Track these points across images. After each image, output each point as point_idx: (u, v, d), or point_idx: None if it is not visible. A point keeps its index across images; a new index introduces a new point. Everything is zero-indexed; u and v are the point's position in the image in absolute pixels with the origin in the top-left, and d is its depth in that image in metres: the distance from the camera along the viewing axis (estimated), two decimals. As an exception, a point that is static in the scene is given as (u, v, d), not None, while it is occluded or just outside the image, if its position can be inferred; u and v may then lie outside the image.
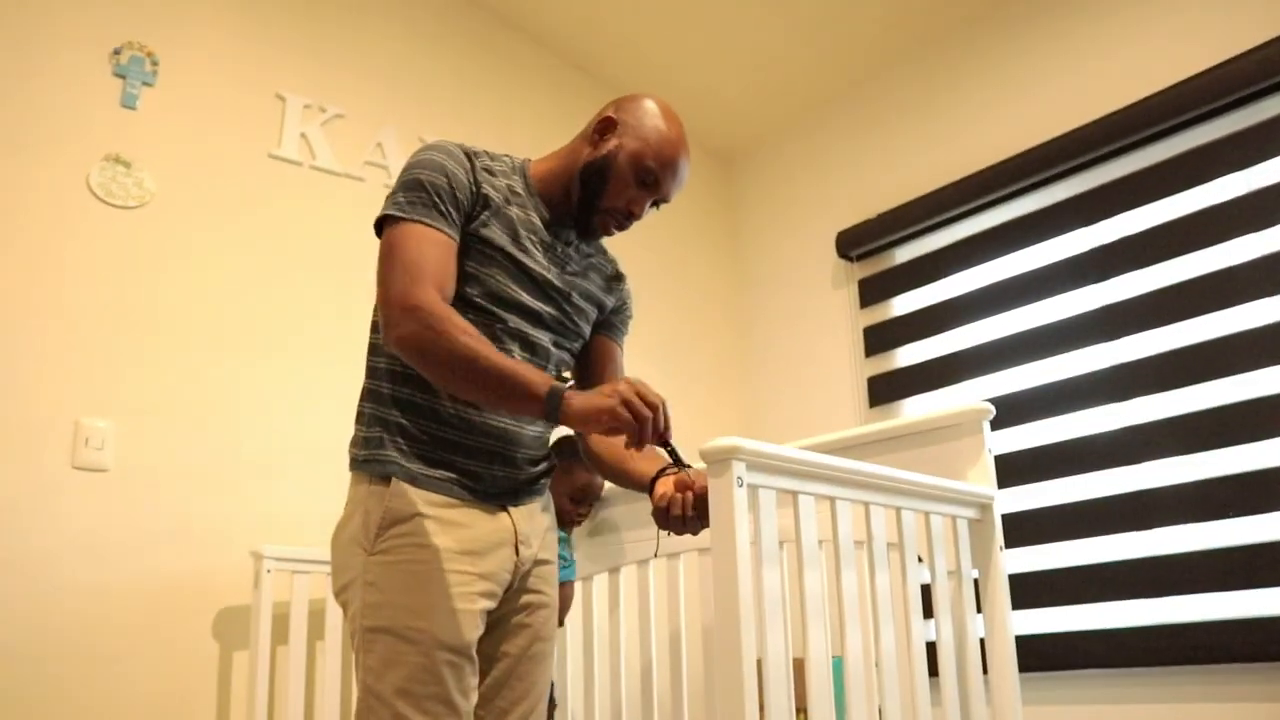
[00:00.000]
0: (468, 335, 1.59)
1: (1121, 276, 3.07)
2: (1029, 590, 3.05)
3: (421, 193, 1.70)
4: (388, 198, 1.73)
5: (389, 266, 1.66)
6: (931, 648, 2.11)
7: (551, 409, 1.56)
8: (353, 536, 1.71)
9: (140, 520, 2.73)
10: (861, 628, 1.90)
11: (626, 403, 1.55)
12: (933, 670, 2.09)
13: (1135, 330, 3.00)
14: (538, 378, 1.59)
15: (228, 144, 3.13)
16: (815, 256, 3.99)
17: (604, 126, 1.84)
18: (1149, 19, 3.14)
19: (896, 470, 1.96)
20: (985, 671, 2.21)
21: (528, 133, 3.81)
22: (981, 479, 2.22)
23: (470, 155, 1.80)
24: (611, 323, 2.04)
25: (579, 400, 1.57)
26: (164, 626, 2.71)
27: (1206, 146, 2.96)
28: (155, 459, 2.78)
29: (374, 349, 1.81)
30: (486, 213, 1.77)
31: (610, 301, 2.02)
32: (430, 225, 1.69)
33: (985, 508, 2.23)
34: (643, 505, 2.72)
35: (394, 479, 1.69)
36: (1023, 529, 3.09)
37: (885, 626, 1.93)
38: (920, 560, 2.12)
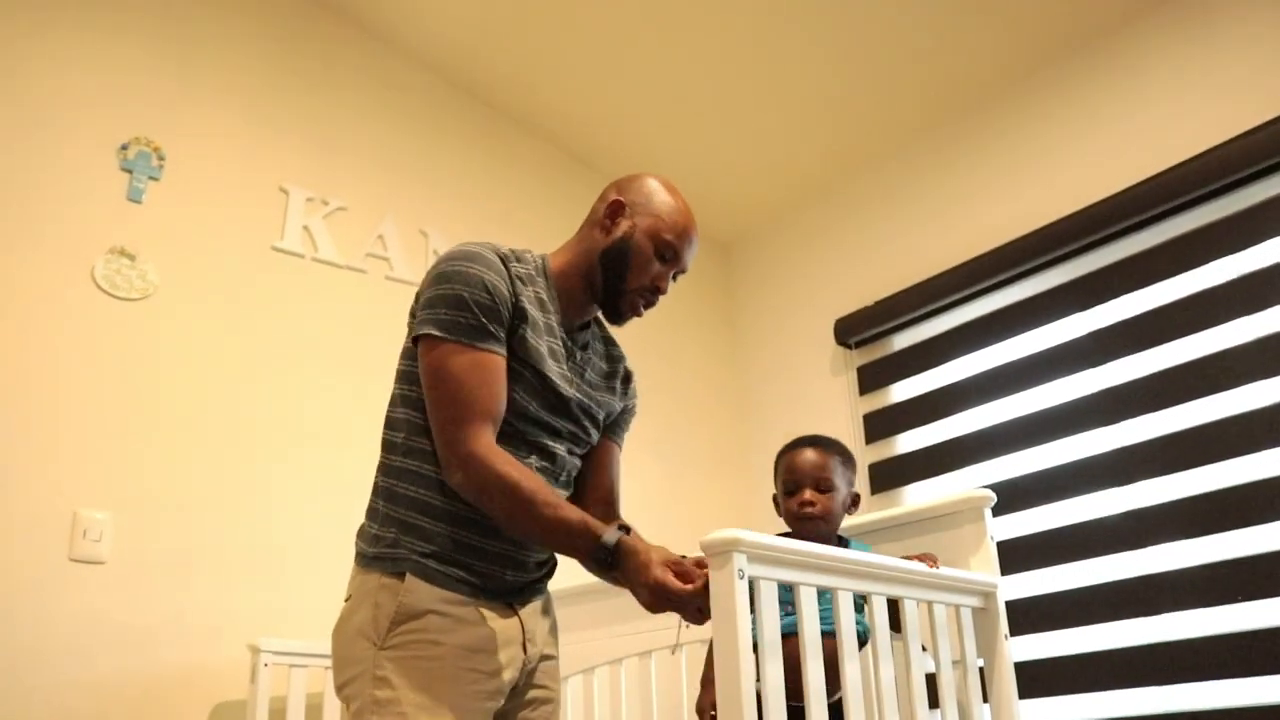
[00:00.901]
0: (520, 486, 1.61)
1: (1118, 360, 3.08)
2: (1036, 678, 3.01)
3: (466, 312, 1.68)
4: (424, 308, 1.70)
5: (440, 394, 1.66)
6: (938, 740, 2.07)
7: (600, 566, 1.62)
8: (360, 629, 1.68)
9: (137, 613, 2.70)
10: (867, 719, 1.87)
11: (665, 599, 1.57)
12: (941, 763, 2.06)
13: (1134, 414, 3.00)
14: (584, 537, 1.61)
15: (231, 236, 3.17)
16: (814, 343, 4.02)
17: (614, 210, 1.86)
18: (1138, 107, 3.20)
19: (897, 560, 1.96)
20: (994, 765, 2.18)
21: (528, 223, 3.86)
22: (984, 566, 2.21)
23: (505, 261, 1.78)
24: (617, 423, 2.03)
25: (627, 578, 1.60)
26: (159, 723, 2.67)
27: (1197, 231, 2.99)
28: (153, 551, 2.77)
29: (391, 447, 1.77)
30: (524, 326, 1.75)
31: (620, 405, 2.02)
32: (479, 349, 1.67)
33: (989, 596, 2.22)
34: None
35: (408, 574, 1.67)
36: (1028, 615, 3.06)
37: (890, 718, 1.91)
38: (924, 649, 2.10)
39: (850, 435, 3.77)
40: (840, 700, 1.82)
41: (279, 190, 3.31)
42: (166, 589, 2.76)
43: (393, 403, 1.80)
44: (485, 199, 3.83)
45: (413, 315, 1.77)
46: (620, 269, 1.84)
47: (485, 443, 1.63)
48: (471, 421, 1.63)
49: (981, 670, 2.21)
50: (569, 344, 1.87)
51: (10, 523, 2.59)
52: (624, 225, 1.84)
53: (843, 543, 2.24)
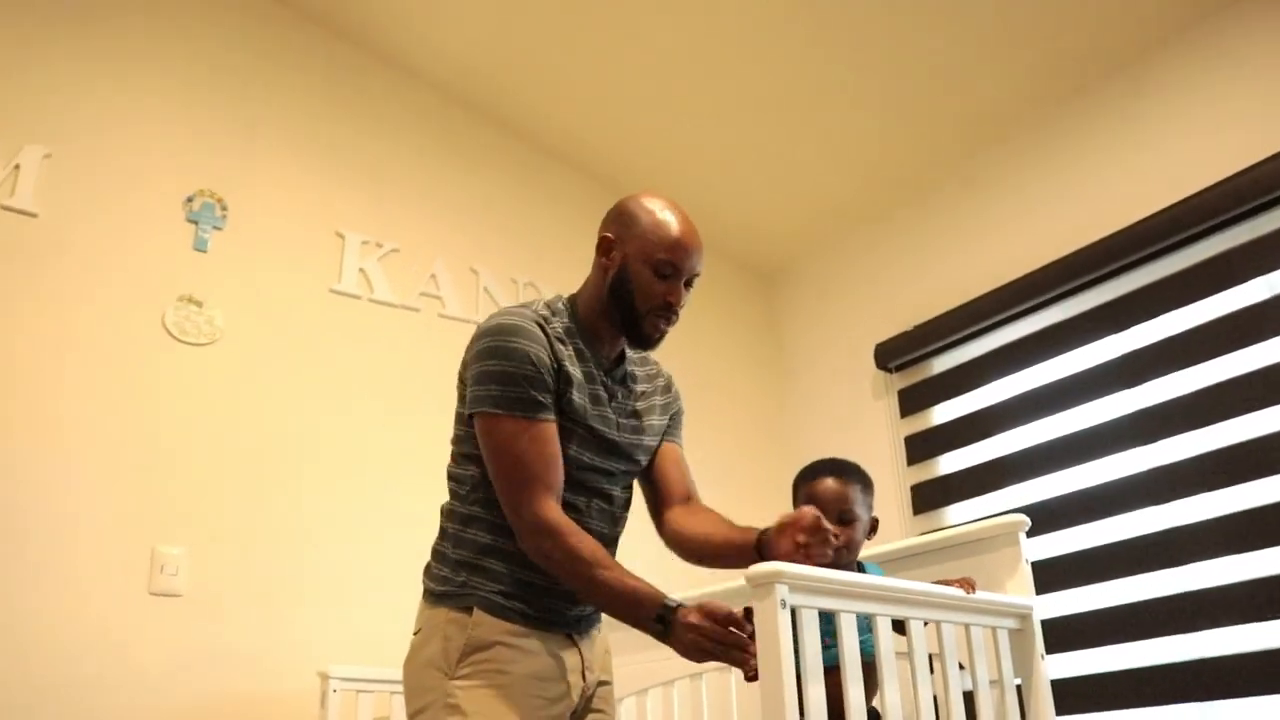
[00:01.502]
0: (585, 554, 1.73)
1: (1154, 381, 3.14)
2: (1074, 695, 3.06)
3: (516, 387, 1.77)
4: (475, 383, 1.81)
5: (501, 467, 1.78)
6: (978, 758, 2.15)
7: (659, 634, 1.67)
8: (430, 660, 1.79)
9: (211, 643, 2.85)
10: (907, 739, 1.96)
11: (717, 649, 1.63)
12: (980, 780, 2.14)
13: (1170, 433, 3.06)
14: (647, 602, 1.68)
15: (292, 281, 3.32)
16: (855, 368, 4.10)
17: (604, 246, 1.93)
18: (1171, 131, 3.26)
19: (934, 586, 2.04)
20: (1033, 781, 2.25)
21: (575, 260, 3.97)
22: (1020, 589, 2.29)
23: (543, 326, 1.86)
24: (670, 427, 2.15)
25: (681, 644, 1.65)
26: (234, 748, 2.81)
27: (1230, 252, 3.04)
28: (226, 584, 2.92)
29: (457, 496, 1.90)
30: (569, 389, 1.85)
31: (668, 416, 2.13)
32: (532, 419, 1.78)
33: (1025, 618, 2.29)
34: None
35: (475, 608, 1.79)
36: (1066, 633, 3.12)
37: (931, 737, 1.99)
38: (962, 668, 2.18)
39: (892, 457, 3.85)
40: (874, 711, 1.90)
41: (335, 235, 3.47)
42: (239, 620, 2.90)
43: (454, 459, 1.93)
44: (533, 236, 3.96)
45: (462, 381, 1.89)
46: (627, 298, 1.90)
47: (547, 511, 1.74)
48: (534, 491, 1.75)
49: (1019, 689, 2.29)
50: (609, 384, 1.96)
51: (94, 559, 2.75)
52: (616, 257, 1.91)
53: (860, 567, 2.31)
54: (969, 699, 2.13)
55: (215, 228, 3.23)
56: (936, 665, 2.11)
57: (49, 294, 2.89)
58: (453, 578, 1.84)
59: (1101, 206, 3.37)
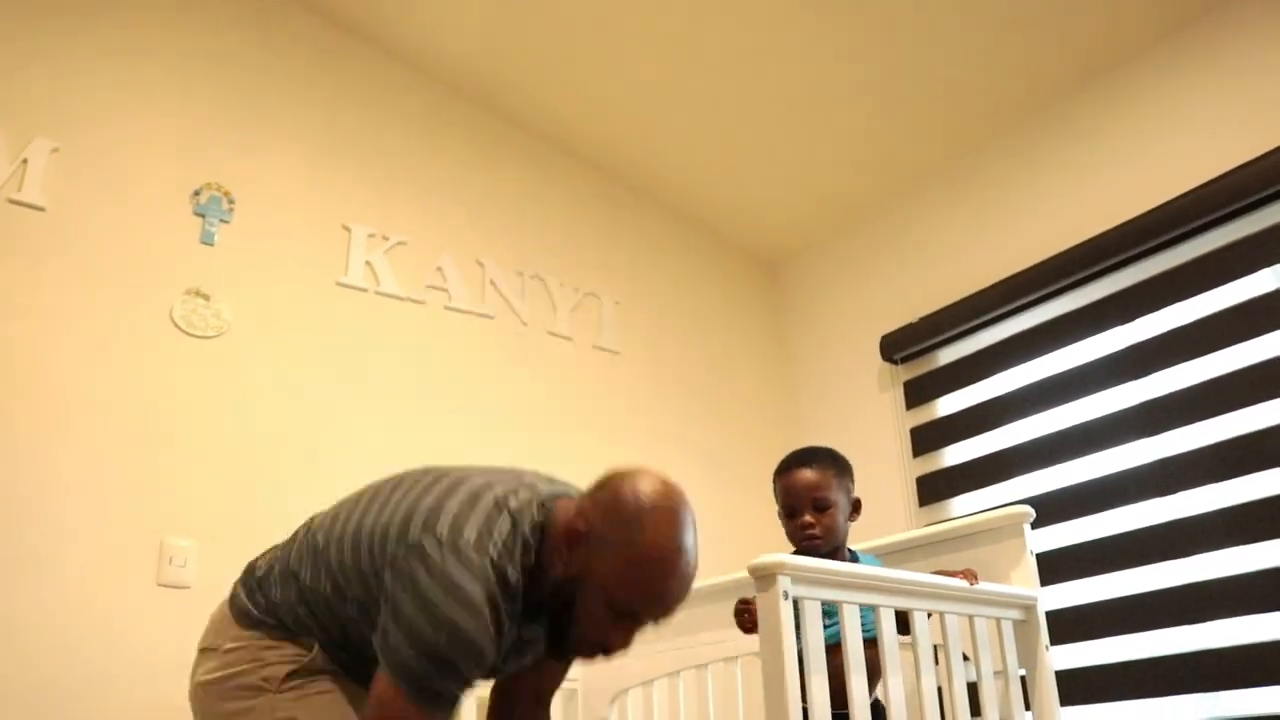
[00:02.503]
0: None
1: (1160, 372, 3.14)
2: (1078, 686, 3.07)
3: (441, 676, 1.44)
4: (404, 632, 1.44)
5: None
6: (981, 747, 2.16)
7: None
8: (247, 684, 1.68)
9: (220, 634, 2.86)
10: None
11: None
12: (984, 769, 2.15)
13: (1176, 425, 3.06)
14: None
15: (298, 274, 3.33)
16: (860, 360, 4.10)
17: (571, 539, 1.49)
18: (1177, 122, 3.26)
19: (937, 578, 2.05)
20: (1037, 770, 2.26)
21: (581, 252, 3.99)
22: (1024, 580, 2.30)
23: (495, 603, 1.46)
24: None
25: None
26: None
27: (1238, 243, 3.04)
28: (235, 575, 2.92)
29: (336, 589, 1.65)
30: (496, 656, 1.54)
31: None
32: (432, 714, 1.47)
33: (1029, 608, 2.30)
34: (707, 610, 2.81)
35: (317, 646, 1.68)
36: (1071, 624, 3.12)
37: (934, 727, 2.00)
38: (966, 659, 2.19)
39: (897, 449, 3.86)
40: (877, 701, 1.92)
41: (342, 228, 3.47)
42: (247, 611, 2.92)
43: (344, 578, 1.63)
44: (540, 229, 3.97)
45: (391, 564, 1.50)
46: (565, 613, 1.52)
47: None
48: None
49: (1023, 679, 2.30)
50: (522, 626, 1.62)
51: (102, 551, 2.76)
52: (577, 561, 1.48)
53: (853, 557, 2.32)
54: (973, 690, 2.14)
55: (222, 221, 3.24)
56: (940, 656, 2.13)
57: (56, 287, 2.91)
58: (297, 617, 1.69)
59: (1107, 199, 3.37)
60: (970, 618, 2.15)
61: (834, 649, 1.78)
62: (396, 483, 1.67)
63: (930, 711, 2.00)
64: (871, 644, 1.93)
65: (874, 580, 1.89)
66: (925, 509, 3.71)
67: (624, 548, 1.46)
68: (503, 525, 1.48)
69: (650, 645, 2.91)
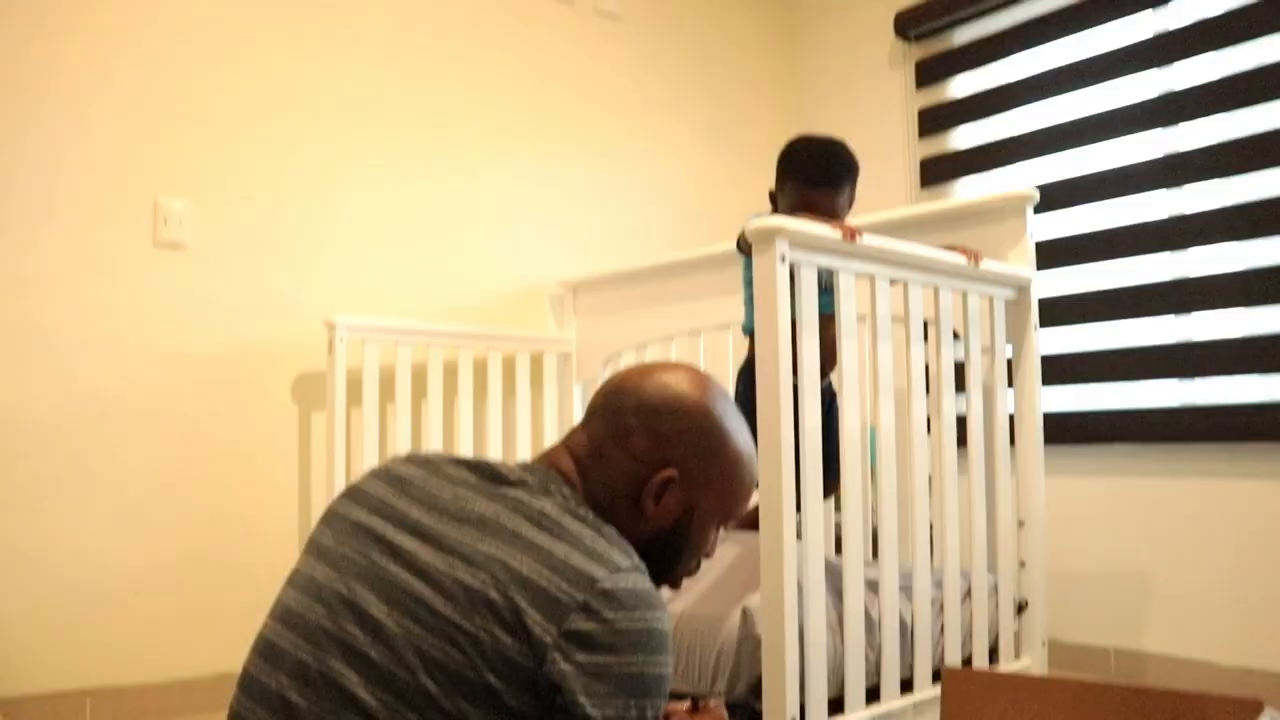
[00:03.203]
0: None
1: (1181, 61, 3.02)
2: (1062, 369, 3.16)
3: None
4: (633, 693, 1.11)
5: None
6: (962, 422, 2.24)
7: None
8: None
9: (218, 294, 2.89)
10: (896, 399, 2.03)
11: None
12: (961, 441, 2.23)
13: (1192, 116, 2.98)
14: None
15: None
16: (872, 36, 3.94)
17: (660, 487, 1.25)
18: None
19: (935, 250, 2.05)
20: (1012, 443, 2.35)
21: None
22: (1021, 261, 2.30)
23: None
24: None
25: None
26: (245, 391, 2.92)
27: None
28: (231, 236, 2.93)
29: None
30: None
31: None
32: None
33: (1023, 289, 2.32)
34: (703, 278, 2.85)
35: None
36: (1063, 310, 3.17)
37: (918, 398, 2.06)
38: (956, 337, 2.23)
39: (903, 130, 3.78)
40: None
41: None
42: (245, 271, 2.94)
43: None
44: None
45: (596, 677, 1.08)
46: (677, 551, 1.32)
47: None
48: None
49: (1009, 361, 2.35)
50: None
51: (95, 212, 2.74)
52: (673, 503, 1.28)
53: None
54: (959, 370, 2.19)
55: None
56: (930, 331, 2.16)
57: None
58: None
59: None
60: (964, 293, 2.17)
61: (823, 320, 1.80)
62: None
63: (916, 384, 2.05)
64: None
65: (873, 250, 1.88)
66: (927, 190, 3.68)
67: (725, 473, 1.29)
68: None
69: (646, 310, 2.98)
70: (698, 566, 1.37)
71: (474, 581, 1.08)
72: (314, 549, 1.20)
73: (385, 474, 1.24)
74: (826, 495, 2.08)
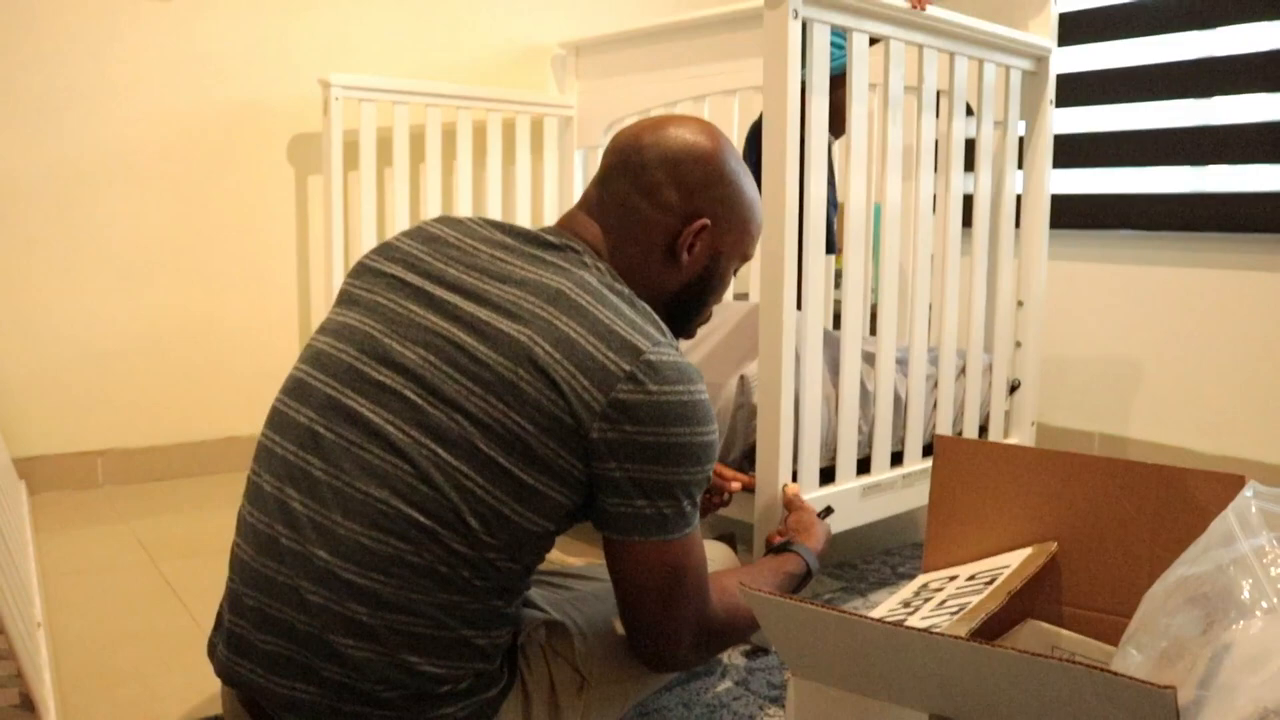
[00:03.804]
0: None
1: None
2: (1074, 150, 3.09)
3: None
4: (682, 487, 1.13)
5: (679, 587, 1.18)
6: (968, 201, 2.20)
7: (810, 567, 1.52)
8: None
9: (208, 48, 2.79)
10: (904, 175, 1.99)
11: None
12: (967, 221, 2.20)
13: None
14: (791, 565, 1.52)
15: None
16: None
17: (694, 237, 1.26)
18: None
19: (954, 14, 1.96)
20: (1017, 225, 2.32)
21: None
22: (1042, 30, 2.22)
23: None
24: None
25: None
26: (240, 152, 2.86)
27: None
28: (218, -15, 2.80)
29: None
30: None
31: None
32: None
33: (1041, 60, 2.24)
34: (710, 41, 2.75)
35: None
36: (1080, 89, 3.07)
37: (926, 174, 2.01)
38: (970, 113, 2.16)
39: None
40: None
41: None
42: (235, 24, 2.82)
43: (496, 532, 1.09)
44: None
45: (616, 452, 1.09)
46: (701, 299, 1.35)
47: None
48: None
49: (1021, 141, 2.29)
50: None
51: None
52: (703, 249, 1.29)
53: None
54: (969, 147, 2.13)
55: None
56: (943, 103, 2.09)
57: None
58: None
59: None
60: (980, 62, 2.09)
61: (835, 80, 1.73)
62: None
63: (925, 157, 2.00)
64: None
65: (889, 9, 1.80)
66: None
67: (744, 211, 1.32)
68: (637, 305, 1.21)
69: (650, 75, 2.88)
70: (710, 314, 1.40)
71: (520, 335, 1.08)
72: (345, 298, 1.20)
73: (419, 233, 1.22)
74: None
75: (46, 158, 2.61)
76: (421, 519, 1.04)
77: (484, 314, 1.10)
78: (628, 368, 1.08)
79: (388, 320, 1.12)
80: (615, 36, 3.04)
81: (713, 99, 2.74)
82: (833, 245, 1.95)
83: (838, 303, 2.91)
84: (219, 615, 1.16)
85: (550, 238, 1.20)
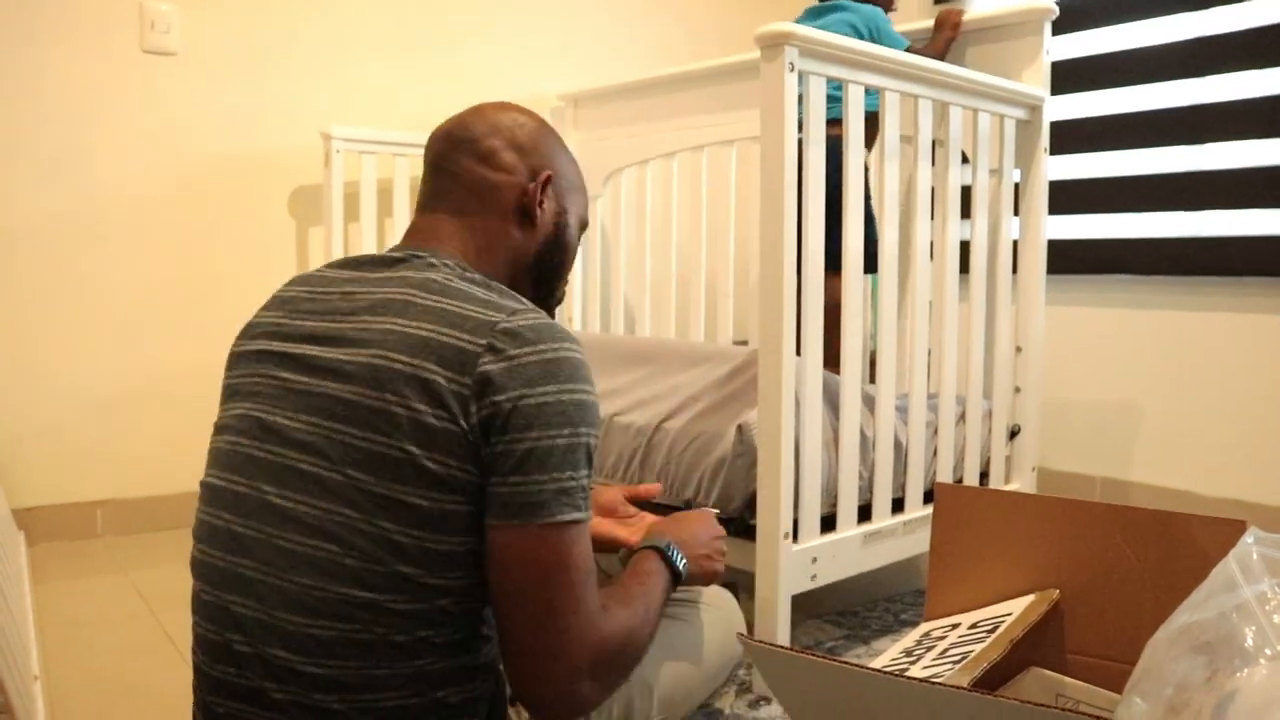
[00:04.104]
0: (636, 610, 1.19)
1: None
2: (1069, 196, 3.11)
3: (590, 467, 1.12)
4: (566, 462, 1.05)
5: (562, 584, 1.05)
6: (965, 248, 2.21)
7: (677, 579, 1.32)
8: None
9: (210, 102, 2.82)
10: (900, 223, 2.00)
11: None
12: (964, 268, 2.21)
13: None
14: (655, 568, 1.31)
15: None
16: None
17: (542, 188, 1.25)
18: None
19: (947, 65, 1.99)
20: (1014, 271, 2.33)
21: None
22: (1035, 80, 2.24)
23: None
24: None
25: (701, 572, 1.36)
26: (242, 204, 2.88)
27: None
28: (222, 42, 2.83)
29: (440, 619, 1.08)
30: None
31: None
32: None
33: (1035, 109, 2.26)
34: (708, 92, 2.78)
35: None
36: (1073, 136, 3.10)
37: (923, 222, 2.03)
38: (965, 160, 2.18)
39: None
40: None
41: None
42: (238, 79, 2.85)
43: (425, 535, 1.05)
44: None
45: (496, 428, 1.03)
46: (559, 269, 1.32)
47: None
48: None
49: (1016, 186, 2.31)
50: None
51: (78, 16, 2.64)
52: (551, 208, 1.27)
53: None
54: (965, 194, 2.15)
55: None
56: (938, 151, 2.11)
57: None
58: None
59: None
60: (975, 112, 2.11)
61: (832, 123, 1.75)
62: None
63: (921, 205, 2.01)
64: (871, 116, 1.88)
65: (885, 61, 1.82)
66: (940, 5, 3.56)
67: (574, 167, 1.33)
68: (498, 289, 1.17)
69: (648, 125, 2.91)
70: (565, 288, 1.36)
71: (375, 359, 1.04)
72: (227, 393, 1.18)
73: (273, 301, 1.20)
74: None
75: (49, 209, 2.63)
76: (359, 594, 1.01)
77: (342, 353, 1.07)
78: (484, 341, 1.03)
79: (267, 398, 1.10)
80: (613, 88, 3.07)
81: (711, 149, 2.77)
82: (873, 264, 1.95)
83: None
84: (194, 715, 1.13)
85: (395, 254, 1.18)
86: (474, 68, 3.23)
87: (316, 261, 2.99)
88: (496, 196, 1.22)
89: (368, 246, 2.82)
